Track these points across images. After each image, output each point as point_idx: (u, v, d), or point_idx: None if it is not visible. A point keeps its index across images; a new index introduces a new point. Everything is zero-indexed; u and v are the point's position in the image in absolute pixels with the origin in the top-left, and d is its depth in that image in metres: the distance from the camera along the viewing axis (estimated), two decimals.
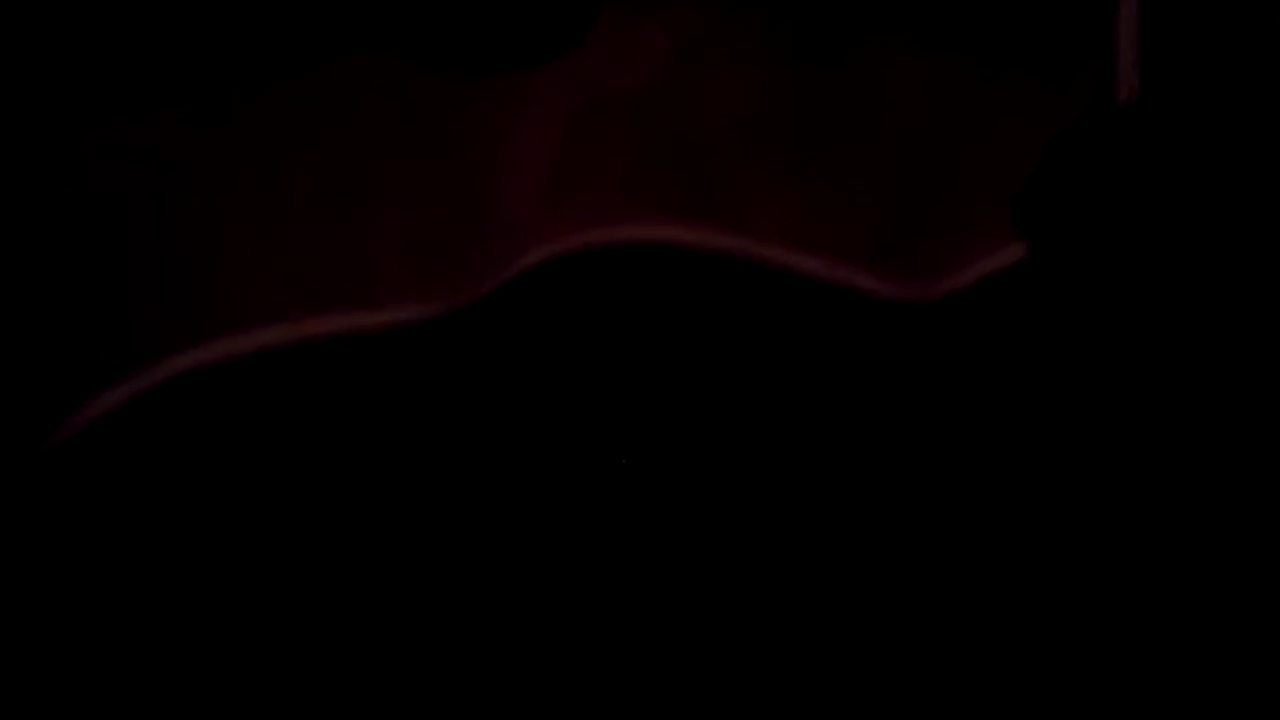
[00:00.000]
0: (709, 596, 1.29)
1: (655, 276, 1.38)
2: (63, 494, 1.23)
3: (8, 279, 1.21)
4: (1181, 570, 1.30)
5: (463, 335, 1.32)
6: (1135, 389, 1.34)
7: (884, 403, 1.37)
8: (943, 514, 1.33)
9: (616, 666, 1.27)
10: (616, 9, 1.32)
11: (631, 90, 1.33)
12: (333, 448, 1.29)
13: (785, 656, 1.28)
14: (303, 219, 1.28)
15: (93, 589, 1.23)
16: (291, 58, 1.25)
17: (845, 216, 1.39)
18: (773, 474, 1.34)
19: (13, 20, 1.19)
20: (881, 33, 1.35)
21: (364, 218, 1.30)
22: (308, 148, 1.27)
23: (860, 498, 1.34)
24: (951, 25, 1.36)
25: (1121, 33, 1.35)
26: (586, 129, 1.35)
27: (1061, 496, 1.33)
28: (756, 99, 1.35)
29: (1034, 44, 1.37)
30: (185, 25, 1.22)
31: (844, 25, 1.35)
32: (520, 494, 1.30)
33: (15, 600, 1.21)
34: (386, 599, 1.25)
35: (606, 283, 1.37)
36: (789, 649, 1.29)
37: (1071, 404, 1.35)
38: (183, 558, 1.25)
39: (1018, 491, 1.34)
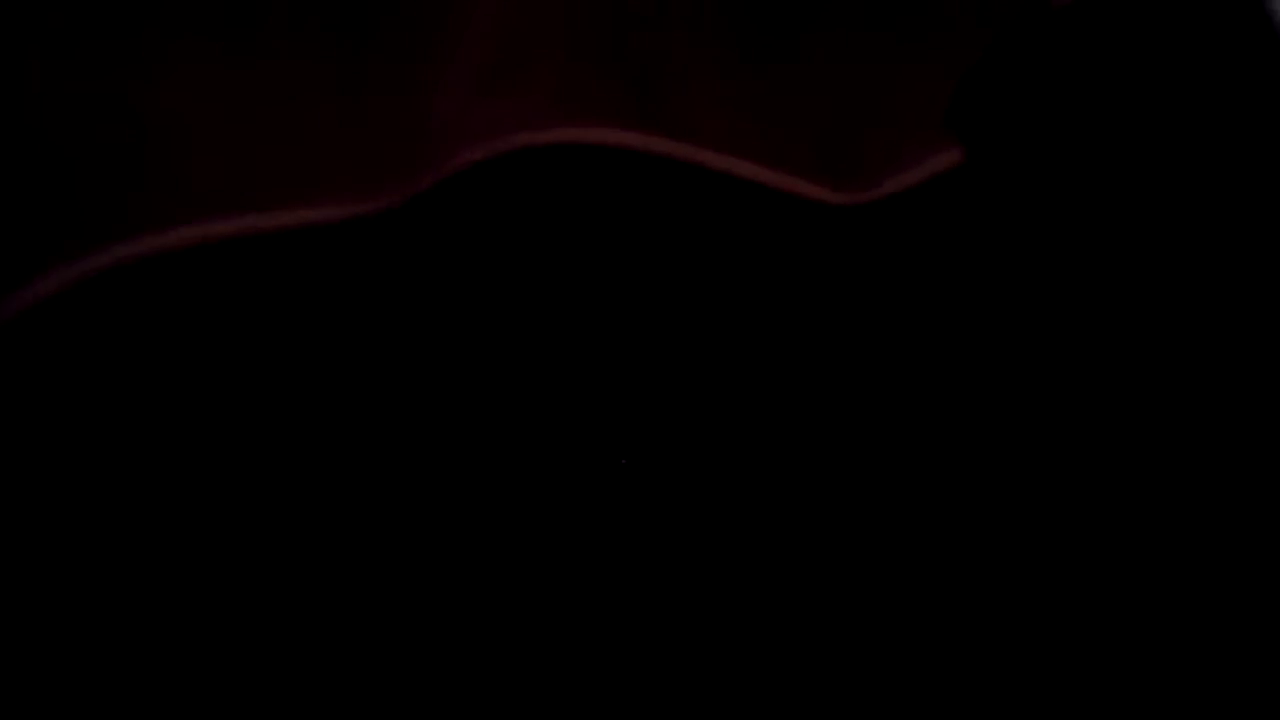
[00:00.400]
0: (708, 596, 1.26)
1: (593, 178, 1.34)
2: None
3: None
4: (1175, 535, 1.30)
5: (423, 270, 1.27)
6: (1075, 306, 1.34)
7: (832, 313, 1.35)
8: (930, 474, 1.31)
9: (616, 666, 1.23)
10: None
11: None
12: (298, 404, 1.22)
13: (785, 656, 1.26)
14: (238, 118, 1.22)
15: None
16: None
17: (784, 120, 1.36)
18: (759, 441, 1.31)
19: None
20: None
21: (295, 113, 1.24)
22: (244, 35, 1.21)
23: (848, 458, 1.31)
24: None
25: None
26: (519, 24, 1.30)
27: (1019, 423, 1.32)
28: None
29: None
30: None
31: None
32: (518, 490, 1.25)
33: None
34: (380, 597, 1.19)
35: (543, 187, 1.33)
36: (789, 648, 1.26)
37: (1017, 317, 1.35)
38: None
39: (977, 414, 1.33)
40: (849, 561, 1.28)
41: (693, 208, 1.35)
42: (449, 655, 1.19)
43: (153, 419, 1.18)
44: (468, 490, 1.24)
